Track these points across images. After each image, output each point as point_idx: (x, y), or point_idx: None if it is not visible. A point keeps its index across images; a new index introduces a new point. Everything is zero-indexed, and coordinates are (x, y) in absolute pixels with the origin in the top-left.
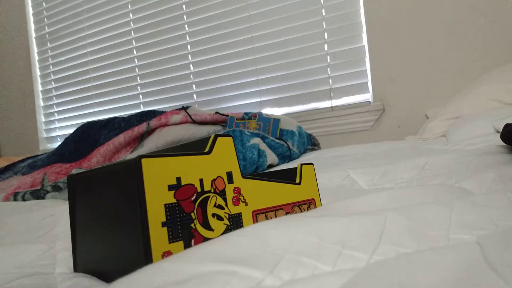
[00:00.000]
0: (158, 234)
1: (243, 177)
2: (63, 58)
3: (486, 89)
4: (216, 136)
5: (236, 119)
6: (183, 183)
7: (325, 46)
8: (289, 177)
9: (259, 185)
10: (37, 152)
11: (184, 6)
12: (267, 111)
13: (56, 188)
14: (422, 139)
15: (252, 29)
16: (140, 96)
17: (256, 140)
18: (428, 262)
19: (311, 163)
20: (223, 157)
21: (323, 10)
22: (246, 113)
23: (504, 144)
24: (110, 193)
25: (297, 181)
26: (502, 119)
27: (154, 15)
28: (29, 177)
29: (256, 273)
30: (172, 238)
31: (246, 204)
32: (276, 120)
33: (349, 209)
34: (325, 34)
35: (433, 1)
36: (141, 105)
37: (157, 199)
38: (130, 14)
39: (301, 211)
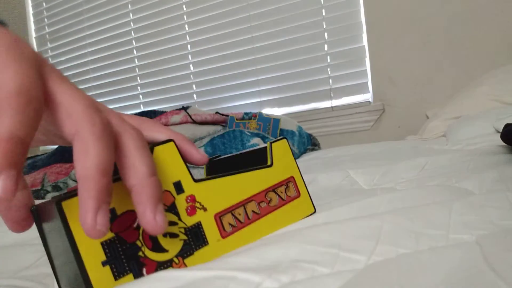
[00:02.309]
0: (99, 274)
1: (195, 181)
2: (63, 58)
3: (486, 89)
4: (152, 147)
5: (236, 119)
6: (118, 213)
7: (325, 46)
8: (258, 159)
9: (218, 184)
10: (37, 152)
11: (184, 6)
12: (267, 111)
13: (56, 188)
14: (422, 139)
15: (252, 29)
16: (140, 96)
17: (256, 140)
18: (427, 262)
19: (284, 138)
20: (166, 167)
21: (323, 10)
22: (246, 113)
23: (504, 144)
24: (58, 229)
25: (268, 163)
26: (502, 119)
27: (154, 15)
28: (29, 177)
29: (254, 277)
30: (118, 274)
31: (205, 210)
32: (276, 120)
33: (344, 215)
34: (325, 34)
35: (433, 1)
36: (141, 105)
37: (89, 240)
38: (130, 14)
39: (278, 195)
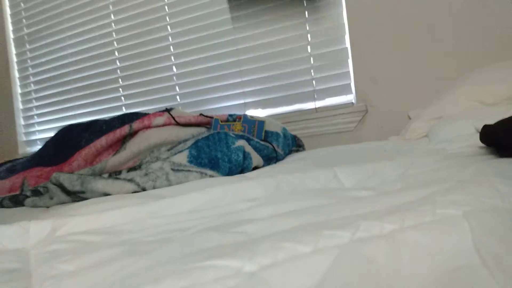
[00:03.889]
0: None
1: None
2: (43, 60)
3: (467, 90)
4: None
5: (221, 121)
6: None
7: (309, 47)
8: None
9: None
10: (16, 156)
11: (166, 7)
12: (251, 112)
13: (36, 193)
14: (405, 139)
15: (235, 31)
16: (122, 98)
17: (241, 142)
18: (415, 245)
19: None
20: None
21: (306, 12)
22: (230, 115)
23: (483, 145)
24: None
25: None
26: (482, 120)
27: (136, 16)
28: (7, 182)
29: (234, 262)
30: None
31: None
32: (261, 122)
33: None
34: (308, 36)
35: (414, 3)
36: (123, 107)
37: None
38: (112, 15)
39: None
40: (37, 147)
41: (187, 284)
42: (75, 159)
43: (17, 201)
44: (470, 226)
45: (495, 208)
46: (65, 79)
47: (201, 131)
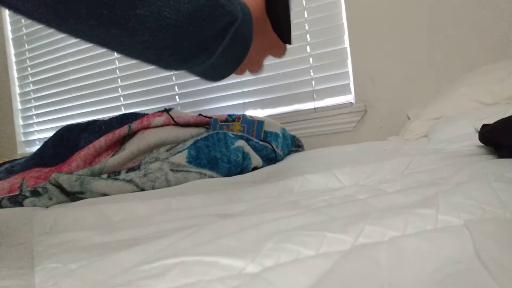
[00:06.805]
0: None
1: None
2: (42, 60)
3: (466, 90)
4: None
5: (220, 121)
6: None
7: (308, 47)
8: None
9: None
10: (15, 156)
11: None
12: (251, 112)
13: (35, 193)
14: (404, 139)
15: None
16: (121, 98)
17: (241, 143)
18: (417, 251)
19: None
20: None
21: (305, 12)
22: (229, 115)
23: (482, 144)
24: None
25: None
26: (481, 120)
27: None
28: (6, 183)
29: (237, 262)
30: None
31: None
32: (260, 122)
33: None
34: (308, 36)
35: (414, 3)
36: (122, 108)
37: None
38: None
39: None
40: (36, 147)
41: (191, 282)
42: (74, 160)
43: (16, 201)
44: (471, 234)
45: (497, 218)
46: (64, 79)
47: (200, 132)
